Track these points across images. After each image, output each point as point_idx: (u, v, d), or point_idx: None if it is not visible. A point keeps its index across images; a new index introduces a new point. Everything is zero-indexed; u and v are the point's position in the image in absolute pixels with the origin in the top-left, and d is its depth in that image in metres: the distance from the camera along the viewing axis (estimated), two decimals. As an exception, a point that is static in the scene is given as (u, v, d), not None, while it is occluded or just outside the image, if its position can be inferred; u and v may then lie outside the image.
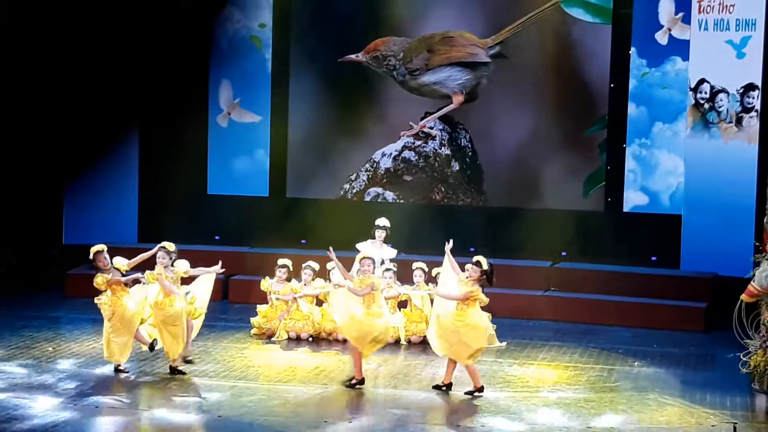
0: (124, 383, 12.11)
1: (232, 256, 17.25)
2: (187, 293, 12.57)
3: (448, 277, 12.27)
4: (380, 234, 14.72)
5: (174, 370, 12.41)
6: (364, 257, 12.43)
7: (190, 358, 12.81)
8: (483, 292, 11.87)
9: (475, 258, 11.96)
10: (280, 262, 14.65)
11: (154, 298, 12.45)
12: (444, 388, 11.98)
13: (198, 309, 12.75)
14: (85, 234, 16.95)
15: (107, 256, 12.46)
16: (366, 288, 12.15)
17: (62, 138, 17.58)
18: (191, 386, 12.03)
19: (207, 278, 13.02)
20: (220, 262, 13.05)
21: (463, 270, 12.09)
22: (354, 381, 12.12)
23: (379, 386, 12.26)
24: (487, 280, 11.92)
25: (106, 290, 12.44)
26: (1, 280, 16.86)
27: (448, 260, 12.35)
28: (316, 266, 14.60)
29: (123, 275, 12.48)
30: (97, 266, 12.44)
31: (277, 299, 14.49)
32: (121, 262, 12.51)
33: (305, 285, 14.54)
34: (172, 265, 12.46)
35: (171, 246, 12.52)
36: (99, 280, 12.41)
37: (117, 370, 12.45)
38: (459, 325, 11.80)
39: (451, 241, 12.40)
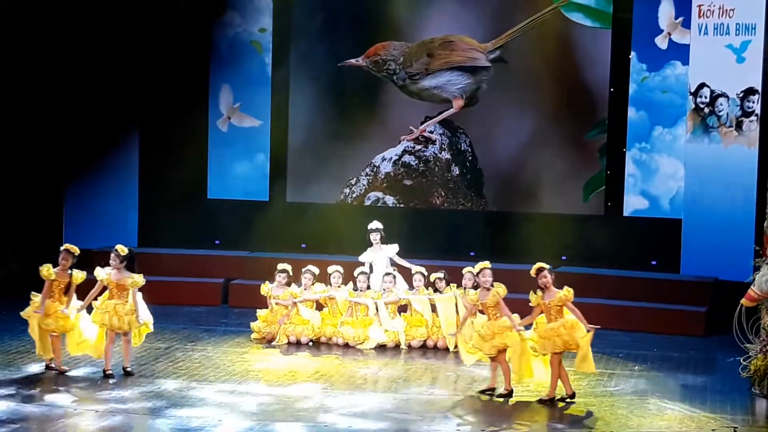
0: (124, 387, 12.09)
1: (232, 261, 17.30)
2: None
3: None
4: (375, 237, 14.82)
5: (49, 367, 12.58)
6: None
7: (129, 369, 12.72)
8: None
9: (482, 265, 12.12)
10: (280, 267, 14.64)
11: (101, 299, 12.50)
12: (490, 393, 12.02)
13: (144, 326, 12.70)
14: (86, 238, 16.93)
15: (70, 260, 12.51)
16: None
17: (63, 141, 17.60)
18: (191, 391, 12.01)
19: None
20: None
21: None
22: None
23: (379, 390, 12.25)
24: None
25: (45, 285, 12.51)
26: (1, 284, 16.85)
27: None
28: (316, 270, 14.60)
29: (68, 285, 12.52)
30: (59, 262, 12.51)
31: (277, 304, 14.48)
32: (99, 273, 12.53)
33: (305, 289, 14.54)
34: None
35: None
36: (45, 272, 12.51)
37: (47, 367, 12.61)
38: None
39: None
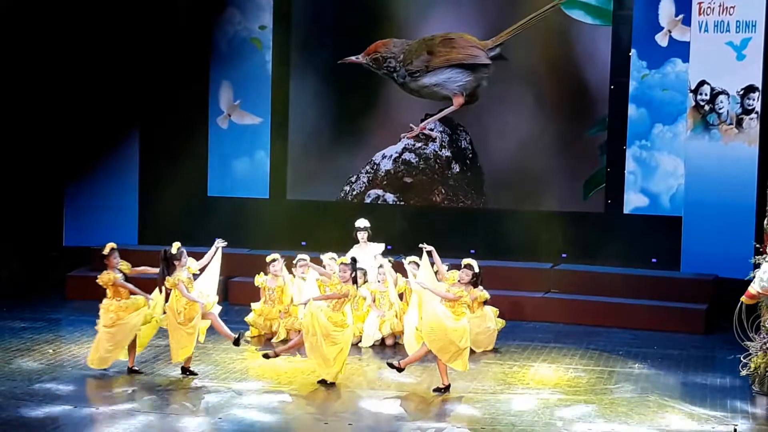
0: (124, 386, 12.10)
1: (233, 258, 17.22)
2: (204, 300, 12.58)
3: (427, 279, 12.33)
4: (362, 235, 14.80)
5: (186, 371, 12.45)
6: (341, 263, 12.46)
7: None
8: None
9: (466, 261, 12.22)
10: (270, 258, 14.59)
11: (170, 301, 12.42)
12: (443, 390, 11.99)
13: (210, 302, 12.69)
14: (86, 236, 16.96)
15: (118, 256, 12.51)
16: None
17: (63, 140, 17.59)
18: (191, 389, 12.02)
19: (213, 266, 12.87)
20: (218, 240, 12.92)
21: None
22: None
23: (379, 389, 12.24)
24: (473, 283, 12.21)
25: (108, 292, 12.44)
26: (2, 282, 16.86)
27: (429, 263, 12.43)
28: (307, 257, 14.60)
29: (126, 278, 12.47)
30: (106, 264, 12.48)
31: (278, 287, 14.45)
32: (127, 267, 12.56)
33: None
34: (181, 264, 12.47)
35: (177, 245, 12.47)
36: (105, 278, 12.43)
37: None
38: (449, 324, 11.84)
39: (429, 246, 12.60)
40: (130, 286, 12.53)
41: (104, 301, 12.50)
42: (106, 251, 12.52)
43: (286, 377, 12.58)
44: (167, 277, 12.32)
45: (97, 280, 12.52)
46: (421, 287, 12.21)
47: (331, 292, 12.45)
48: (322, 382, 12.17)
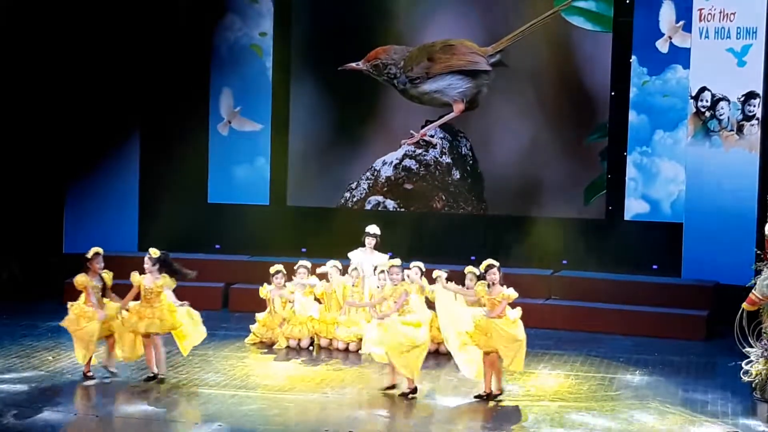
0: (123, 392, 12.09)
1: (233, 265, 17.30)
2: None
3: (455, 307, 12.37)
4: (370, 241, 14.73)
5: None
6: (392, 266, 12.44)
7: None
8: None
9: (486, 263, 12.11)
10: (274, 269, 14.58)
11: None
12: (486, 396, 12.00)
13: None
14: (86, 243, 16.85)
15: (102, 261, 12.52)
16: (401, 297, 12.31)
17: (63, 146, 17.58)
18: (192, 395, 12.01)
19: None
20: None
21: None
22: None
23: (379, 395, 12.23)
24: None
25: (83, 295, 12.55)
26: (2, 289, 16.85)
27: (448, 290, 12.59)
28: (309, 264, 14.61)
29: (104, 287, 12.52)
30: (89, 267, 12.51)
31: (282, 298, 14.44)
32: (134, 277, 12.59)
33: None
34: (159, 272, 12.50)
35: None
36: (80, 280, 12.51)
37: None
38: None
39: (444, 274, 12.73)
40: (113, 296, 12.58)
41: (75, 303, 12.56)
42: (89, 255, 12.58)
43: (287, 384, 12.57)
44: (76, 277, 12.43)
45: (73, 281, 12.53)
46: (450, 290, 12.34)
47: (373, 299, 12.60)
48: (404, 395, 12.07)
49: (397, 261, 12.61)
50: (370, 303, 13.34)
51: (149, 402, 11.75)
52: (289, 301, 14.50)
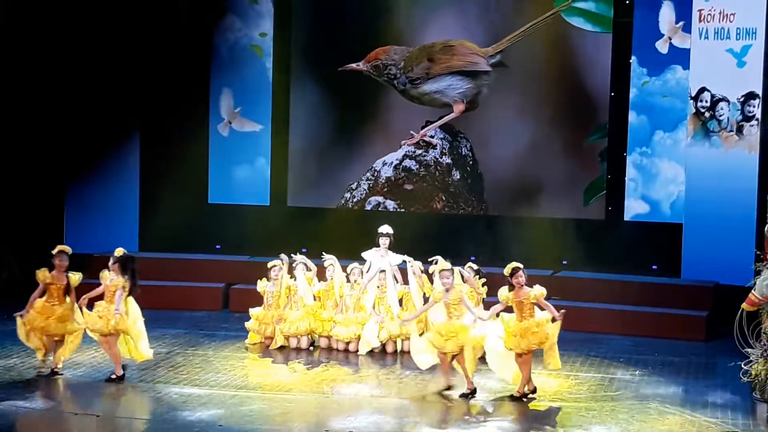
0: (124, 392, 12.10)
1: (233, 265, 17.31)
2: None
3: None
4: (384, 241, 14.67)
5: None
6: (442, 269, 12.34)
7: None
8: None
9: (512, 265, 12.13)
10: (270, 264, 14.56)
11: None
12: (529, 395, 12.05)
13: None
14: (86, 242, 16.94)
15: (66, 260, 12.56)
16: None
17: (64, 146, 17.60)
18: (191, 396, 12.01)
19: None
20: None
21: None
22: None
23: (378, 396, 12.24)
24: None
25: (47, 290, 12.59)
26: (2, 288, 16.84)
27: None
28: (306, 260, 14.59)
29: (68, 286, 12.58)
30: (54, 263, 12.55)
31: (281, 293, 14.44)
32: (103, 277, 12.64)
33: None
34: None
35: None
36: (41, 275, 12.56)
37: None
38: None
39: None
40: (73, 296, 12.61)
41: (40, 299, 12.64)
42: (54, 251, 12.60)
43: (287, 384, 12.58)
44: (38, 270, 12.51)
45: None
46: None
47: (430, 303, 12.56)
48: (465, 395, 12.04)
49: (447, 264, 12.40)
50: (421, 311, 13.07)
51: (148, 402, 11.75)
52: (277, 306, 14.46)
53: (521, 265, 12.07)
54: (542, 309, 12.00)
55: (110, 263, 12.57)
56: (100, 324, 12.38)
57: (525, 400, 11.95)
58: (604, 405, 11.87)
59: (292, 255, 14.53)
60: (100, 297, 12.58)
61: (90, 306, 12.65)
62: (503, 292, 12.04)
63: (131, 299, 12.54)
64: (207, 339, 14.66)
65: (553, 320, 11.91)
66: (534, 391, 12.06)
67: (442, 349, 12.14)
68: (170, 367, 13.07)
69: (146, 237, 17.87)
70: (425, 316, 13.27)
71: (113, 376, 12.42)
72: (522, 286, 11.97)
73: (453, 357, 12.15)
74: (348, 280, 14.47)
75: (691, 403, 11.96)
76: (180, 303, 16.53)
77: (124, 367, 12.56)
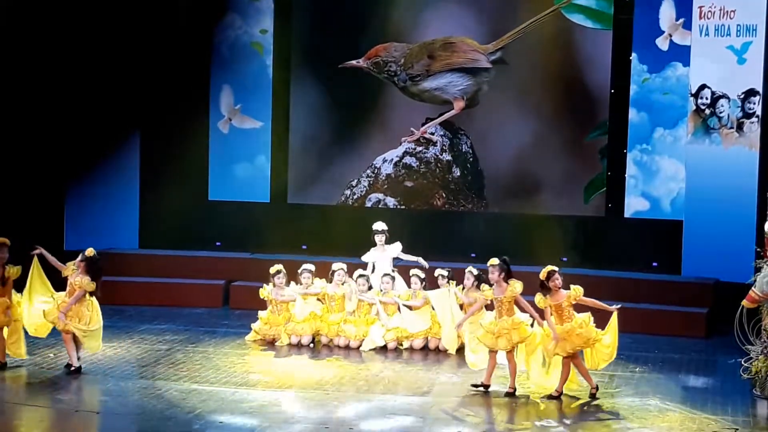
0: (123, 390, 12.09)
1: (233, 262, 17.30)
2: None
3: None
4: (380, 238, 14.80)
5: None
6: (491, 265, 12.33)
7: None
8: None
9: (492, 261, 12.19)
10: (274, 269, 14.55)
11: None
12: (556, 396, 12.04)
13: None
14: (86, 240, 16.91)
15: (6, 252, 12.91)
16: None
17: (63, 144, 17.58)
18: (192, 393, 12.01)
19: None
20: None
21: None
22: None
23: (380, 393, 12.24)
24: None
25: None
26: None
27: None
28: (312, 267, 14.61)
29: (3, 280, 12.82)
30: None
31: (282, 302, 14.43)
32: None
33: (306, 288, 14.52)
34: None
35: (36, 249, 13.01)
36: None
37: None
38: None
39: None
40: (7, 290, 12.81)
41: None
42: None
43: (288, 381, 12.58)
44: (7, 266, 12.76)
45: None
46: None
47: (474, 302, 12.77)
48: (509, 394, 12.07)
49: (495, 260, 12.30)
50: (473, 311, 12.90)
51: (149, 399, 11.75)
52: (286, 308, 14.48)
53: (556, 268, 12.05)
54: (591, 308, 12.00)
55: (78, 259, 12.65)
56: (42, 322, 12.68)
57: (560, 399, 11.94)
58: (604, 402, 11.88)
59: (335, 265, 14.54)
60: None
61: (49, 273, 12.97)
62: (539, 299, 12.00)
63: (94, 298, 12.74)
64: (207, 336, 14.67)
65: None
66: (596, 388, 12.04)
67: (493, 347, 12.12)
68: (170, 364, 13.08)
69: (146, 234, 17.87)
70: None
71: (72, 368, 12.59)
72: (559, 288, 11.94)
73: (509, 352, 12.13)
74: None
75: (691, 399, 11.97)
76: (180, 300, 16.54)
77: (79, 359, 12.70)
